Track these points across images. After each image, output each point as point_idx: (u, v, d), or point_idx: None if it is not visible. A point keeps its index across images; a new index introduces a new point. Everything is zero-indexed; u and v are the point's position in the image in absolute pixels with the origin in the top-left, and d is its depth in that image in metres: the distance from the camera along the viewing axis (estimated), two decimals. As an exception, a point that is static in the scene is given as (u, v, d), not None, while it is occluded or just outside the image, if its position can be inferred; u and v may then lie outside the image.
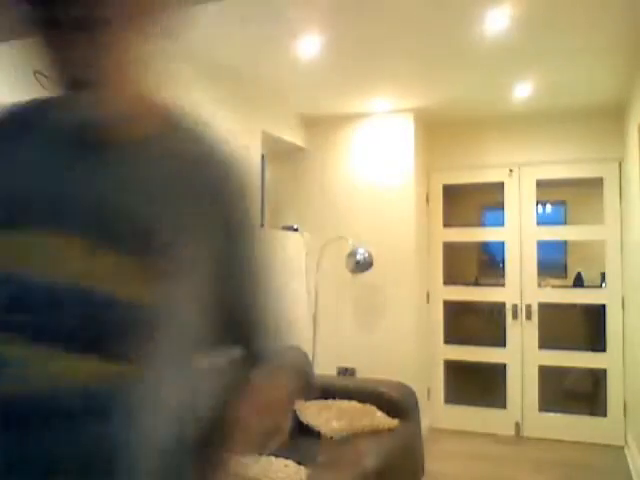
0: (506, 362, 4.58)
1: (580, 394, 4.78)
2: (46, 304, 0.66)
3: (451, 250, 4.84)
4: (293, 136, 4.39)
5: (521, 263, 4.56)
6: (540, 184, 4.56)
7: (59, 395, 0.64)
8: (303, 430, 3.13)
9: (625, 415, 4.21)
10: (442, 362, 4.77)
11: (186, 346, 0.73)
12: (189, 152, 0.78)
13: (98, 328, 0.66)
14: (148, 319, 0.67)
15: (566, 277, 5.07)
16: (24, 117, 0.76)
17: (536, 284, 4.53)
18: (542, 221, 4.61)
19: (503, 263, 4.64)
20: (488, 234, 4.86)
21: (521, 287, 4.55)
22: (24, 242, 0.68)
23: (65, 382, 0.64)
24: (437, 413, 4.70)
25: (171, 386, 0.71)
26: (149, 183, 0.73)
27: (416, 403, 3.56)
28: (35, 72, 2.42)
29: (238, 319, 0.82)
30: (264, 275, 0.85)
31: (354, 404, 3.37)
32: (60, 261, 0.67)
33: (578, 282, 4.83)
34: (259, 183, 3.97)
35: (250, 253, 0.83)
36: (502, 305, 4.60)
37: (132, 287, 0.67)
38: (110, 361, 0.65)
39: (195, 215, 0.74)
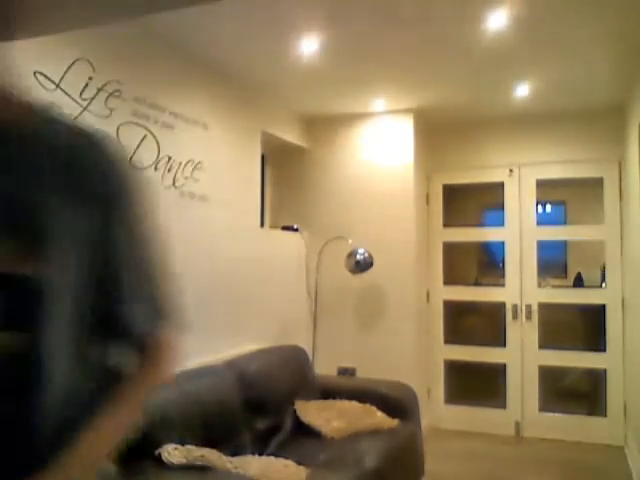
0: (506, 362, 4.58)
1: (580, 394, 4.78)
2: None
3: (451, 250, 4.84)
4: (293, 136, 4.39)
5: (521, 263, 4.56)
6: (540, 184, 4.56)
7: None
8: (303, 430, 3.13)
9: (625, 415, 4.21)
10: (442, 362, 4.77)
11: (72, 320, 0.78)
12: (55, 135, 0.82)
13: None
14: (32, 292, 0.73)
15: (566, 277, 5.07)
16: None
17: (536, 284, 4.53)
18: (542, 221, 4.61)
19: (503, 263, 4.64)
20: (488, 234, 4.86)
21: (521, 287, 4.55)
22: None
23: None
24: (437, 413, 4.70)
25: (59, 360, 0.76)
26: (20, 169, 0.78)
27: (416, 403, 3.56)
28: (35, 72, 2.42)
29: (120, 290, 0.84)
30: (145, 246, 0.88)
31: (354, 404, 3.37)
32: None
33: (578, 282, 4.83)
34: (259, 183, 3.97)
35: (129, 227, 0.85)
36: (502, 305, 4.60)
37: (14, 264, 0.72)
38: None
39: (66, 193, 0.78)
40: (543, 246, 4.56)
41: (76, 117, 2.43)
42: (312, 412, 3.23)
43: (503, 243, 4.65)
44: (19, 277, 0.72)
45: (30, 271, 0.73)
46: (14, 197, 0.76)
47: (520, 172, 4.59)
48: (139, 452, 2.02)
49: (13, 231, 0.74)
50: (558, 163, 4.48)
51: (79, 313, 0.79)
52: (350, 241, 4.21)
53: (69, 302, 0.77)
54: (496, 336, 4.63)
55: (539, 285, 4.54)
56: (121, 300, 0.84)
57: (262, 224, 4.25)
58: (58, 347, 0.75)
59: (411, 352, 4.28)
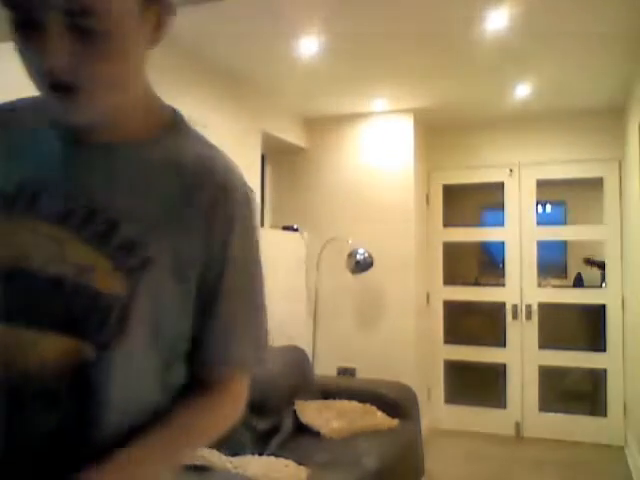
0: (506, 362, 4.58)
1: (580, 394, 4.79)
2: (39, 292, 0.73)
3: (451, 250, 4.84)
4: (293, 136, 4.39)
5: (521, 263, 4.56)
6: (540, 184, 4.56)
7: (45, 371, 0.71)
8: (303, 430, 3.13)
9: (625, 415, 4.21)
10: (442, 362, 4.77)
11: (157, 337, 0.76)
12: (185, 155, 0.81)
13: (73, 312, 0.72)
14: (115, 306, 0.72)
15: (566, 277, 5.07)
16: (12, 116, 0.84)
17: (536, 284, 4.53)
18: (542, 221, 4.61)
19: (503, 263, 4.64)
20: (488, 234, 4.86)
21: (521, 287, 4.55)
22: (26, 232, 0.75)
23: (49, 359, 0.71)
24: (437, 413, 4.70)
25: (137, 374, 0.75)
26: (133, 182, 0.78)
27: (416, 403, 3.56)
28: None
29: (226, 321, 0.83)
30: (254, 285, 0.90)
31: (354, 404, 3.37)
32: (46, 254, 0.74)
33: (578, 282, 4.83)
34: (259, 183, 3.97)
35: (246, 260, 0.86)
36: (502, 305, 4.60)
37: (102, 277, 0.73)
38: (82, 341, 0.72)
39: (185, 217, 0.78)
40: (543, 246, 4.56)
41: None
42: (312, 412, 3.23)
43: (503, 243, 4.65)
44: (108, 295, 0.72)
45: (122, 292, 0.72)
46: (127, 215, 0.75)
47: (520, 172, 4.59)
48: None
49: (115, 249, 0.74)
50: (558, 163, 4.48)
51: (164, 337, 0.77)
52: (350, 241, 4.21)
53: (155, 326, 0.75)
54: (496, 336, 4.63)
55: (539, 285, 4.54)
56: (215, 329, 0.82)
57: (262, 224, 4.25)
58: (129, 366, 0.74)
59: (411, 352, 4.28)
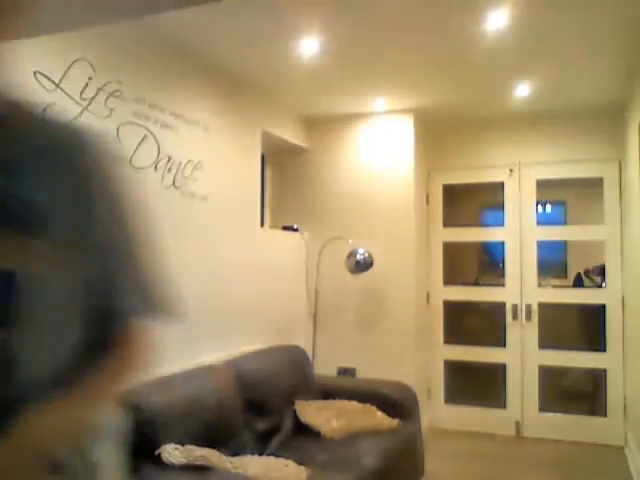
0: (506, 362, 4.58)
1: (580, 394, 4.78)
2: None
3: (451, 250, 4.84)
4: (293, 136, 4.39)
5: (521, 263, 4.56)
6: (540, 184, 4.56)
7: None
8: (303, 430, 3.13)
9: (625, 415, 4.21)
10: (442, 362, 4.77)
11: (61, 310, 0.80)
12: (50, 133, 0.84)
13: None
14: (12, 286, 0.75)
15: (566, 277, 5.07)
16: None
17: (536, 284, 4.53)
18: (542, 221, 4.61)
19: (503, 263, 4.64)
20: (488, 234, 4.86)
21: (521, 287, 4.55)
22: None
23: None
24: (437, 413, 4.70)
25: (39, 351, 0.78)
26: (13, 168, 0.79)
27: (416, 403, 3.57)
28: (35, 72, 2.42)
29: (110, 281, 0.85)
30: (133, 238, 0.89)
31: (354, 404, 3.37)
32: None
33: (578, 282, 4.83)
34: (259, 183, 3.97)
35: (116, 218, 0.87)
36: (502, 305, 4.60)
37: (6, 256, 0.75)
38: None
39: (58, 190, 0.80)
40: (543, 246, 4.56)
41: (76, 117, 2.43)
42: (312, 412, 3.23)
43: (503, 243, 4.65)
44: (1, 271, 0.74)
45: (12, 266, 0.74)
46: (4, 194, 0.78)
47: (520, 172, 4.59)
48: (139, 452, 2.02)
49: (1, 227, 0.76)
50: (558, 163, 4.48)
51: (65, 305, 0.80)
52: (350, 241, 4.21)
53: (53, 295, 0.78)
54: (496, 336, 4.63)
55: (539, 285, 4.54)
56: (109, 286, 0.85)
57: (262, 224, 4.25)
58: (38, 341, 0.78)
59: (411, 352, 4.28)
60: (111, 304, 0.85)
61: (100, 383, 0.84)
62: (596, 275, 4.63)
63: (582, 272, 4.67)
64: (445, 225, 4.81)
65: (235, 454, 2.58)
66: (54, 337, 0.80)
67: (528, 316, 4.52)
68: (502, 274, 4.64)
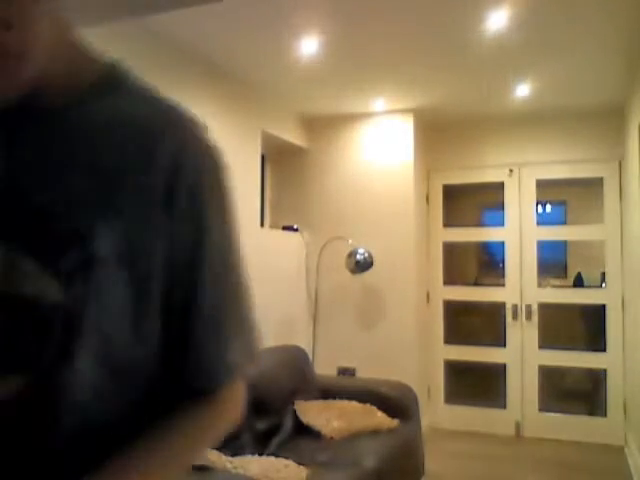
0: (506, 362, 4.58)
1: (580, 394, 4.78)
2: None
3: (451, 250, 4.84)
4: (293, 136, 4.39)
5: (521, 263, 4.56)
6: (540, 184, 4.56)
7: None
8: (303, 430, 3.12)
9: (625, 415, 4.21)
10: (442, 362, 4.77)
11: (111, 348, 0.61)
12: (135, 114, 0.65)
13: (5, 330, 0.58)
14: (56, 318, 0.58)
15: (566, 277, 5.07)
16: None
17: (536, 284, 4.53)
18: (542, 221, 4.61)
19: (503, 263, 4.64)
20: (488, 234, 4.85)
21: (521, 287, 4.55)
22: None
23: None
24: (437, 413, 4.70)
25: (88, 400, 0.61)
26: (58, 155, 0.62)
27: (416, 403, 3.56)
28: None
29: (197, 322, 0.66)
30: (236, 267, 0.70)
31: (354, 404, 3.37)
32: None
33: (578, 282, 4.83)
34: (259, 183, 3.97)
35: (224, 236, 0.68)
36: (502, 305, 4.59)
37: (34, 284, 0.58)
38: (10, 370, 0.58)
39: (138, 197, 0.61)
40: (543, 246, 4.56)
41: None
42: (312, 412, 3.23)
43: (503, 243, 4.65)
44: (43, 303, 0.57)
45: (57, 297, 0.57)
46: (57, 198, 0.60)
47: (520, 172, 4.59)
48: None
49: (40, 245, 0.58)
50: (558, 163, 4.48)
51: (118, 352, 0.62)
52: (350, 241, 4.21)
53: (105, 337, 0.60)
54: (496, 336, 4.63)
55: (539, 285, 4.54)
56: (197, 338, 0.66)
57: (262, 224, 4.25)
58: (77, 393, 0.60)
59: (411, 352, 4.28)
60: (218, 353, 0.67)
61: (181, 447, 0.66)
62: None
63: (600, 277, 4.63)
64: (445, 225, 4.81)
65: (235, 454, 2.58)
66: (104, 388, 0.62)
67: (528, 316, 4.52)
68: (502, 274, 4.64)
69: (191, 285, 0.64)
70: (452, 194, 4.85)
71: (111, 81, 0.67)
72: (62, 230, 0.59)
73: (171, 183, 0.61)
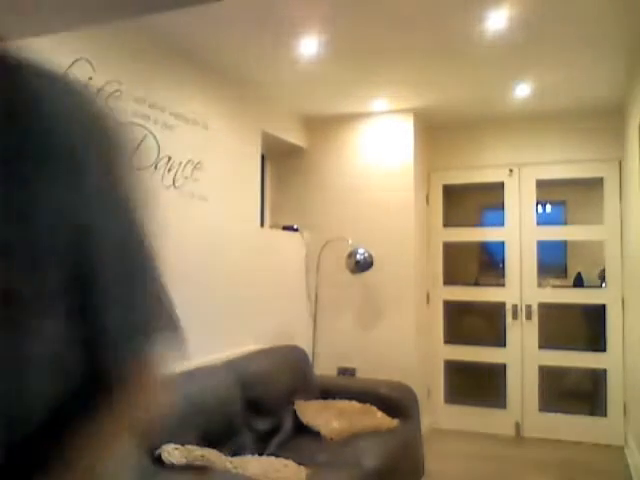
0: (506, 362, 4.58)
1: (580, 394, 4.78)
2: None
3: (451, 250, 4.84)
4: (293, 136, 4.39)
5: (521, 263, 4.56)
6: (540, 184, 4.56)
7: None
8: (303, 430, 3.13)
9: (625, 415, 4.21)
10: (442, 362, 4.77)
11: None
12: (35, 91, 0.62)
13: None
14: None
15: (566, 277, 5.07)
16: None
17: (536, 284, 4.53)
18: (542, 221, 4.61)
19: (503, 263, 4.64)
20: (488, 234, 4.85)
21: (521, 287, 4.55)
22: None
23: None
24: (437, 413, 4.70)
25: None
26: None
27: (416, 403, 3.56)
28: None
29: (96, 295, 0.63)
30: (137, 233, 0.68)
31: (354, 404, 3.37)
32: None
33: (578, 282, 4.83)
34: (259, 183, 3.97)
35: (118, 207, 0.66)
36: (502, 305, 4.60)
37: None
38: None
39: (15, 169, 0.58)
40: (543, 246, 4.56)
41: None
42: (312, 412, 3.23)
43: (503, 243, 4.65)
44: None
45: None
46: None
47: (520, 172, 4.59)
48: (139, 452, 2.02)
49: None
50: (558, 163, 4.48)
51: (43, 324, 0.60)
52: (350, 241, 4.21)
53: (31, 314, 0.58)
54: (496, 336, 4.63)
55: (539, 285, 4.54)
56: (98, 310, 0.63)
57: (262, 224, 4.25)
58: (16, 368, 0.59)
59: (411, 352, 4.28)
60: (122, 327, 0.65)
61: (107, 425, 0.65)
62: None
63: (598, 275, 4.64)
64: (445, 225, 4.81)
65: (235, 454, 2.58)
66: (53, 367, 0.61)
67: (528, 316, 4.52)
68: (502, 274, 4.64)
69: (85, 260, 0.61)
70: (452, 194, 4.85)
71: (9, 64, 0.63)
72: None
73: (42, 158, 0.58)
